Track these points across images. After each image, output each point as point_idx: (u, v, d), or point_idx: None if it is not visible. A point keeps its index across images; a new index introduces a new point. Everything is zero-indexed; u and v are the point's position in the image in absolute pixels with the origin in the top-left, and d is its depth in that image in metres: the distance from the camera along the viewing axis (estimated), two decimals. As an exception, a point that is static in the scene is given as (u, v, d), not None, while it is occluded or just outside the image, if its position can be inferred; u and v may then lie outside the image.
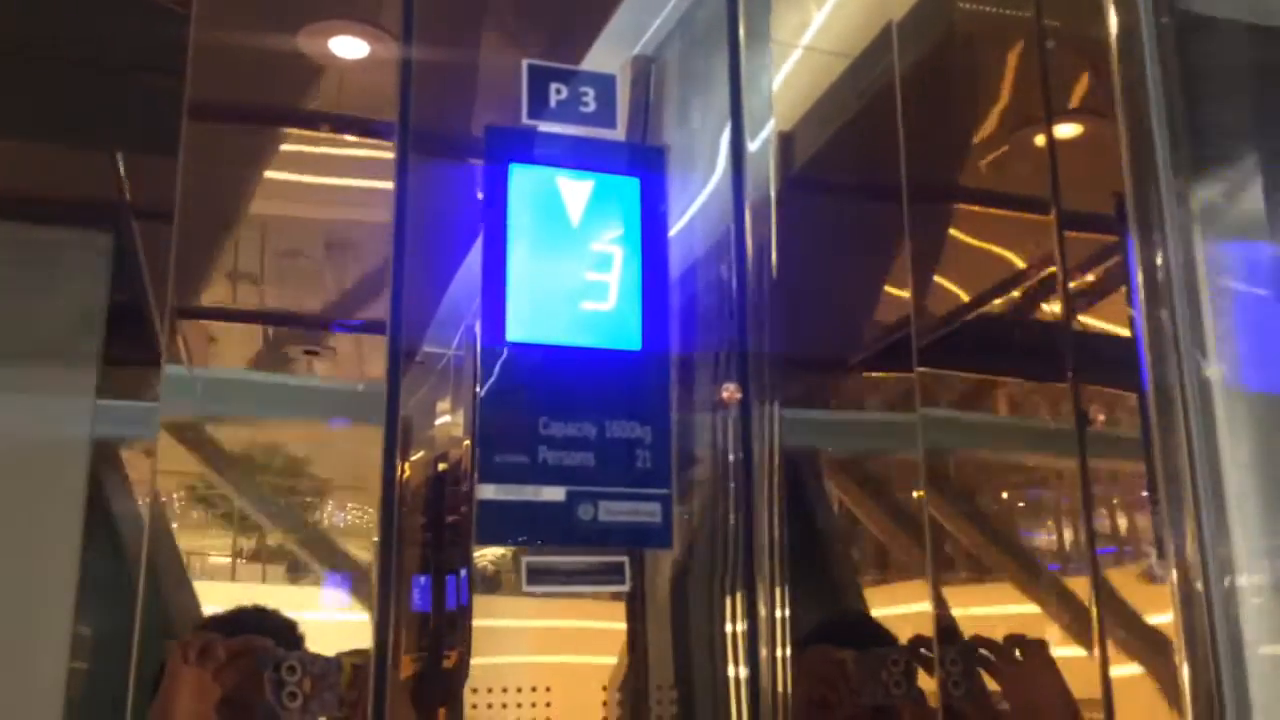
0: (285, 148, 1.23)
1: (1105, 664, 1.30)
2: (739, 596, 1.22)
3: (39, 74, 1.15)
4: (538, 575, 1.14)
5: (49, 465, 1.13)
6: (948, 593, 1.28)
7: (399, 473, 1.13)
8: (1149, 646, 1.32)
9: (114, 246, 1.15)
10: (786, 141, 1.36)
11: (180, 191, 1.11)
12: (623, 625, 1.19)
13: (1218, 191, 1.43)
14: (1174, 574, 1.32)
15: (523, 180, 1.23)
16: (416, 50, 1.23)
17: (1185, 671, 1.29)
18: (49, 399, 1.11)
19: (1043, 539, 1.41)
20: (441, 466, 1.20)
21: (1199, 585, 1.31)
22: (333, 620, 1.12)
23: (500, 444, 1.15)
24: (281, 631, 1.08)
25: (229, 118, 1.20)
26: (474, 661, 1.12)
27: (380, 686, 1.06)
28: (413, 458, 1.17)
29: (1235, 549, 1.33)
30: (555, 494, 1.16)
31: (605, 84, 1.28)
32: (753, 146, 1.34)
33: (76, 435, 1.14)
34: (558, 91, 1.26)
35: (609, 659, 1.19)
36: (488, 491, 1.14)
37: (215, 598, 1.10)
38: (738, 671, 1.20)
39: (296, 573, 1.16)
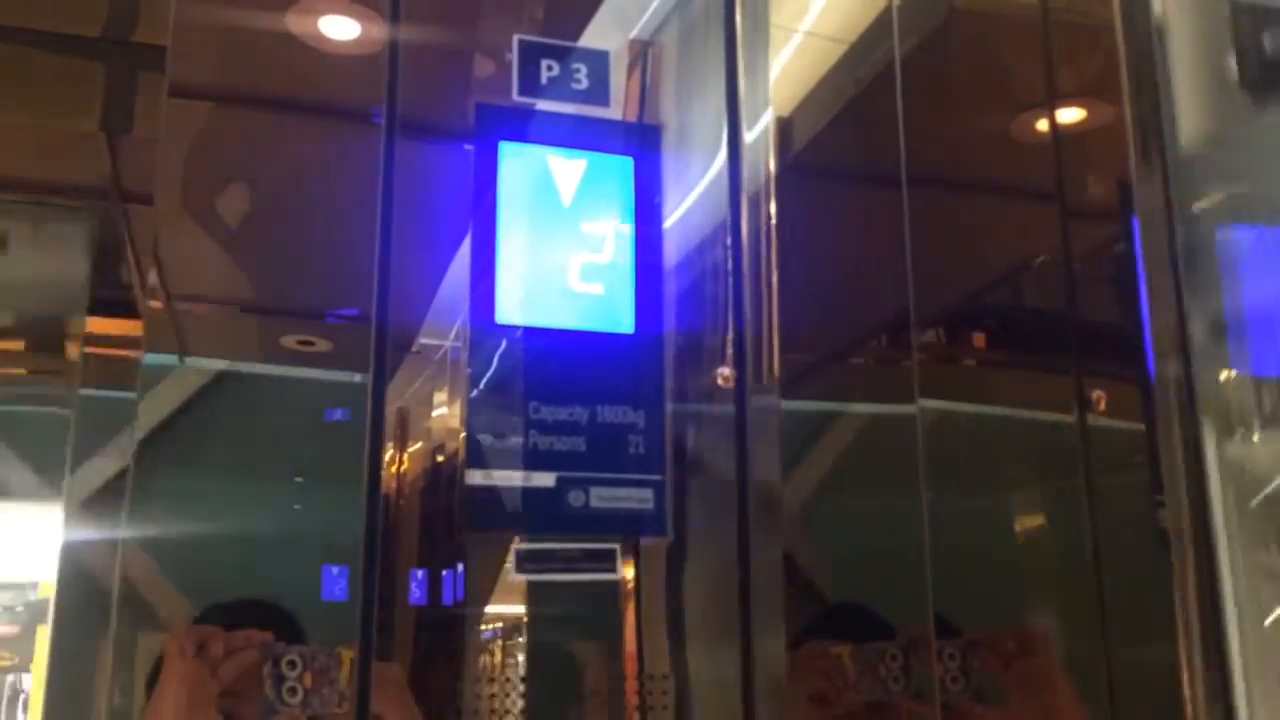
0: (270, 129, 1.21)
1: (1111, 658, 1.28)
2: (734, 585, 1.20)
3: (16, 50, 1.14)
4: (526, 561, 1.12)
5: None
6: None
7: (384, 464, 1.11)
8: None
9: (98, 231, 1.13)
10: (785, 127, 1.34)
11: (160, 174, 1.10)
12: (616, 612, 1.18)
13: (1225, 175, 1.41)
14: (1183, 570, 1.30)
15: (513, 159, 1.21)
16: (405, 30, 1.20)
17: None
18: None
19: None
20: (439, 459, 1.18)
21: (1211, 581, 1.29)
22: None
23: (489, 428, 1.13)
24: (281, 624, 1.05)
25: (212, 98, 1.18)
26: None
27: (364, 679, 1.04)
28: (409, 449, 1.15)
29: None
30: (545, 480, 1.14)
31: (598, 60, 1.26)
32: (750, 132, 1.32)
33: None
34: (549, 68, 1.24)
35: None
36: (476, 477, 1.12)
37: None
38: (733, 662, 1.18)
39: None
